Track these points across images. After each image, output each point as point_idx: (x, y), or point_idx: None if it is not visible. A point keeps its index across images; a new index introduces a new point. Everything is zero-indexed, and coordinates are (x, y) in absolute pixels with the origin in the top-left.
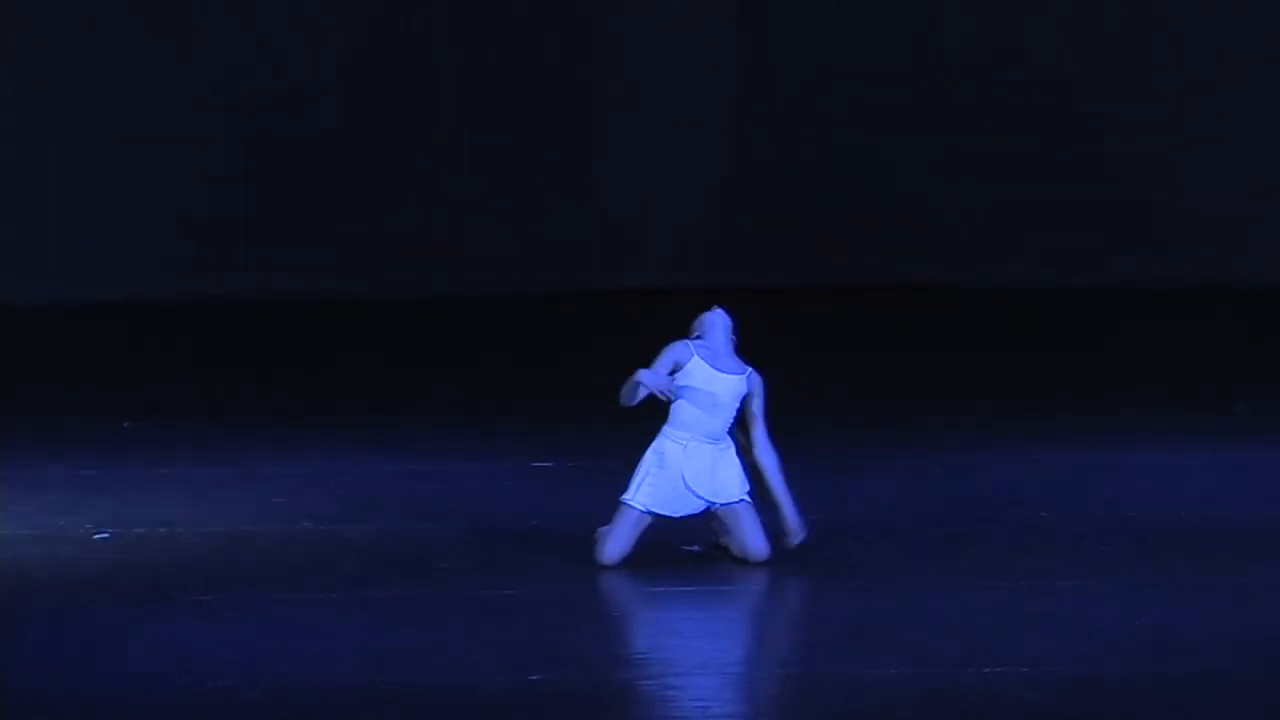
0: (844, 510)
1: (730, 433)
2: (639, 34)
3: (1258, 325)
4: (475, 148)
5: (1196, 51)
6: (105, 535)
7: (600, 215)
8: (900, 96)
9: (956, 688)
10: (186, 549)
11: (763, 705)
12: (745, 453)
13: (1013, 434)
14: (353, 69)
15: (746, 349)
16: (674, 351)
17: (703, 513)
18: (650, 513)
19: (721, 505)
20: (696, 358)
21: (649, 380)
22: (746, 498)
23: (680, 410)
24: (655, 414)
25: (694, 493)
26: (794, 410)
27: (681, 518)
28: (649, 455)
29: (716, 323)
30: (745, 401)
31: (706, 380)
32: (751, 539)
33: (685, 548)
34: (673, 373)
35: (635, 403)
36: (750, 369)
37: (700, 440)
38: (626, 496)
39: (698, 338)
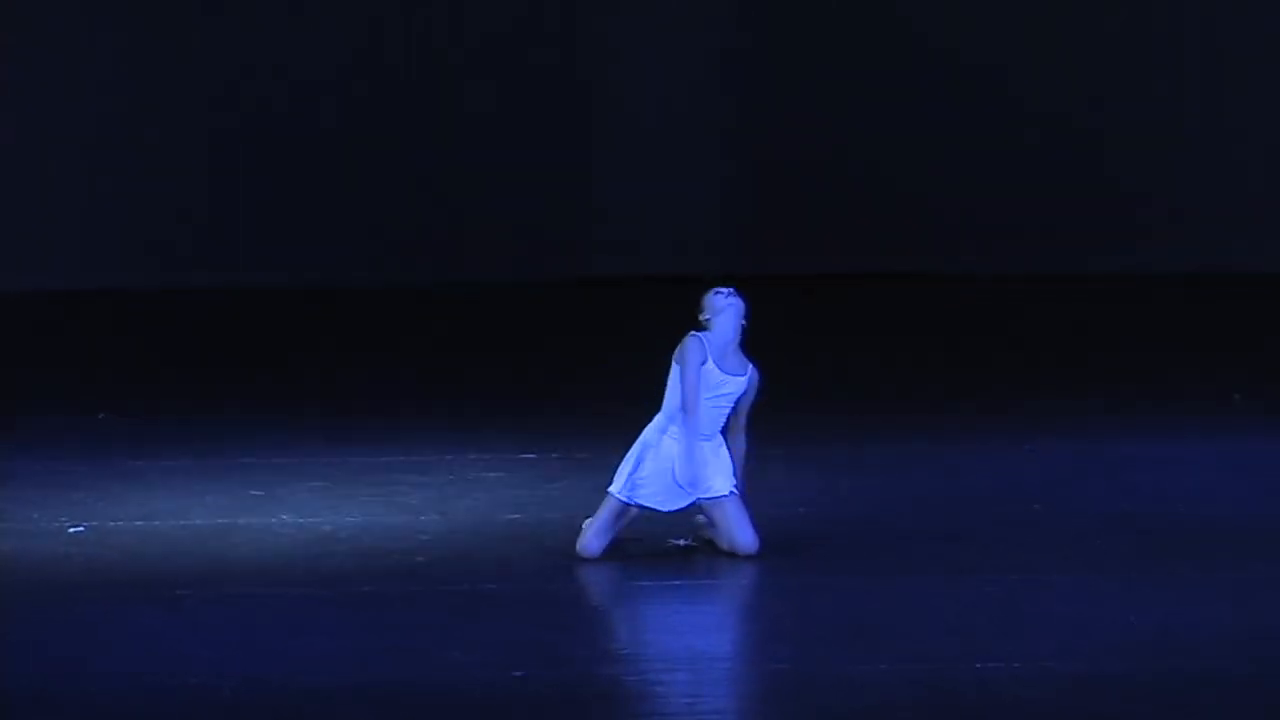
0: (835, 504)
1: (723, 429)
2: (637, 30)
3: (1259, 315)
4: (475, 143)
5: (1196, 47)
6: (81, 529)
7: (597, 205)
8: (896, 93)
9: (952, 685)
10: (164, 543)
11: (753, 702)
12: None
13: (1008, 427)
14: (352, 66)
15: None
16: (693, 354)
17: (690, 506)
18: (636, 505)
19: (709, 500)
20: (710, 361)
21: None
22: (734, 491)
23: (675, 403)
24: (642, 406)
25: (683, 488)
26: (786, 403)
27: (668, 512)
28: (638, 448)
29: (730, 312)
30: (740, 398)
31: (716, 385)
32: (740, 532)
33: (673, 541)
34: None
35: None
36: (751, 367)
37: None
38: (612, 488)
39: (706, 321)
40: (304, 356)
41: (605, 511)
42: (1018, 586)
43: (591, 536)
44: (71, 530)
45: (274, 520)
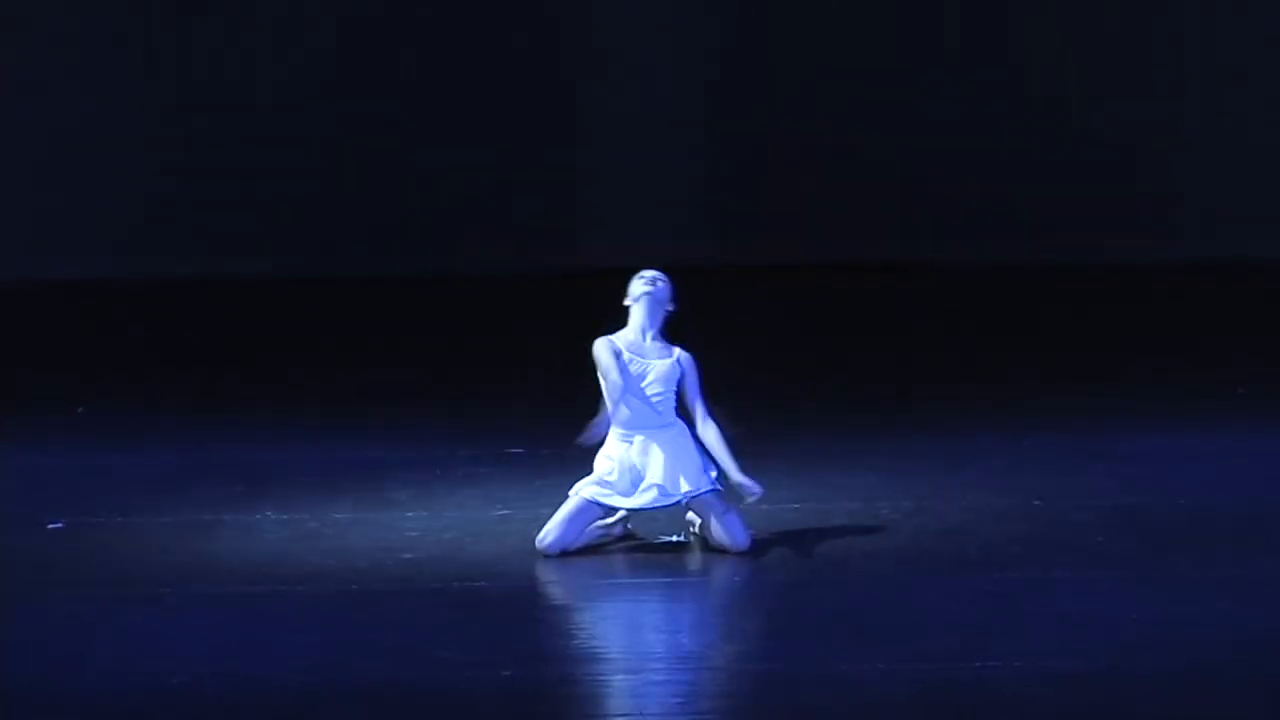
0: (829, 500)
1: (679, 413)
2: (616, 18)
3: (1264, 305)
4: (462, 135)
5: (1196, 46)
6: (59, 525)
7: (583, 196)
8: (887, 83)
9: (950, 684)
10: (145, 539)
11: (745, 701)
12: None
13: (1004, 420)
14: (331, 53)
15: (722, 329)
16: (601, 355)
17: (671, 505)
18: (596, 504)
19: (689, 499)
20: (626, 353)
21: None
22: (715, 486)
23: (618, 410)
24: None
25: (655, 488)
26: (778, 396)
27: (657, 509)
28: (599, 458)
29: (646, 300)
30: (681, 384)
31: (639, 375)
32: (729, 528)
33: (663, 538)
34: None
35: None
36: (678, 349)
37: (649, 431)
38: (574, 488)
39: (628, 306)
40: (288, 350)
41: (561, 509)
42: (1017, 583)
43: (548, 534)
44: (49, 526)
45: (258, 516)
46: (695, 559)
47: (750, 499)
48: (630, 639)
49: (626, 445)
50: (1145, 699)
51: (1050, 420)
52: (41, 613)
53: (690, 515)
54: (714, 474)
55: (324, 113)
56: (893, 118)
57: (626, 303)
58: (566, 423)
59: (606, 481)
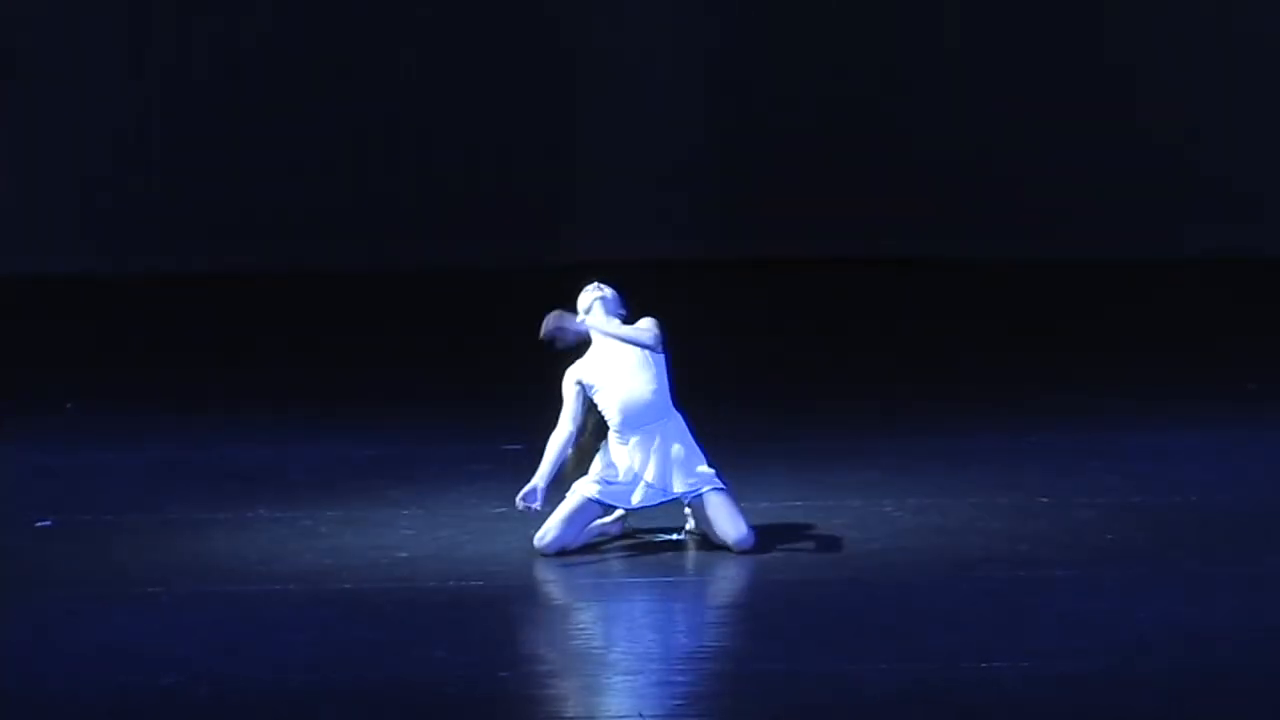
0: (831, 498)
1: (677, 407)
2: (616, 17)
3: (1271, 301)
4: (458, 129)
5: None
6: (48, 523)
7: (579, 190)
8: (881, 77)
9: (951, 684)
10: (136, 538)
11: (746, 701)
12: None
13: (1008, 415)
14: (330, 51)
15: (722, 327)
16: (573, 386)
17: (671, 502)
18: (596, 503)
19: (691, 497)
20: (583, 367)
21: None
22: (717, 484)
23: (609, 411)
24: None
25: (653, 486)
26: (776, 392)
27: (657, 505)
28: (599, 458)
29: (604, 301)
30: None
31: (608, 367)
32: (732, 526)
33: (664, 536)
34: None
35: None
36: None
37: (647, 426)
38: (573, 486)
39: (581, 319)
40: (280, 345)
41: (559, 507)
42: (1022, 582)
43: (546, 533)
44: (39, 524)
45: (251, 515)
46: (695, 558)
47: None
48: (629, 639)
49: (624, 445)
50: (1152, 699)
51: (1055, 417)
52: (32, 612)
53: (688, 513)
54: (715, 472)
55: (323, 112)
56: (893, 116)
57: (580, 318)
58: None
59: (607, 480)
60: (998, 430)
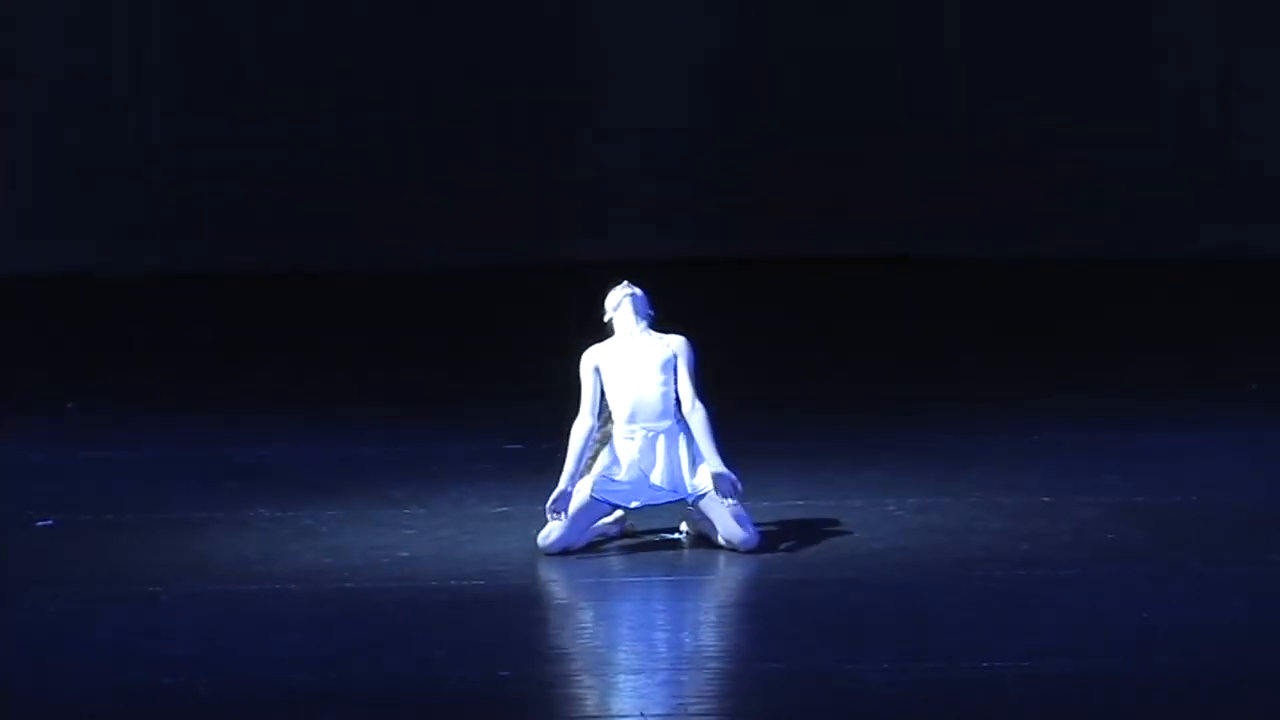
0: (834, 497)
1: (678, 414)
2: (616, 17)
3: (1272, 301)
4: (461, 129)
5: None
6: (49, 522)
7: (581, 189)
8: (878, 74)
9: (953, 684)
10: (137, 537)
11: (746, 702)
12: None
13: (1008, 415)
14: (329, 50)
15: (723, 326)
16: (583, 371)
17: (676, 502)
18: (602, 502)
19: (694, 499)
20: (601, 352)
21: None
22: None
23: (617, 405)
24: None
25: (659, 487)
26: (778, 391)
27: (660, 504)
28: (602, 455)
29: (626, 305)
30: (676, 366)
31: (625, 360)
32: (737, 527)
33: (666, 535)
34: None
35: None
36: (673, 335)
37: (652, 424)
38: (577, 485)
39: (608, 320)
40: (282, 346)
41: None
42: (1025, 582)
43: (552, 529)
44: (40, 524)
45: (252, 514)
46: (695, 558)
47: (725, 500)
48: (631, 638)
49: (630, 441)
50: (1153, 699)
51: (1056, 417)
52: (32, 611)
53: (689, 513)
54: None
55: (323, 112)
56: (893, 115)
57: (608, 316)
58: (565, 420)
59: (612, 479)
60: (999, 430)
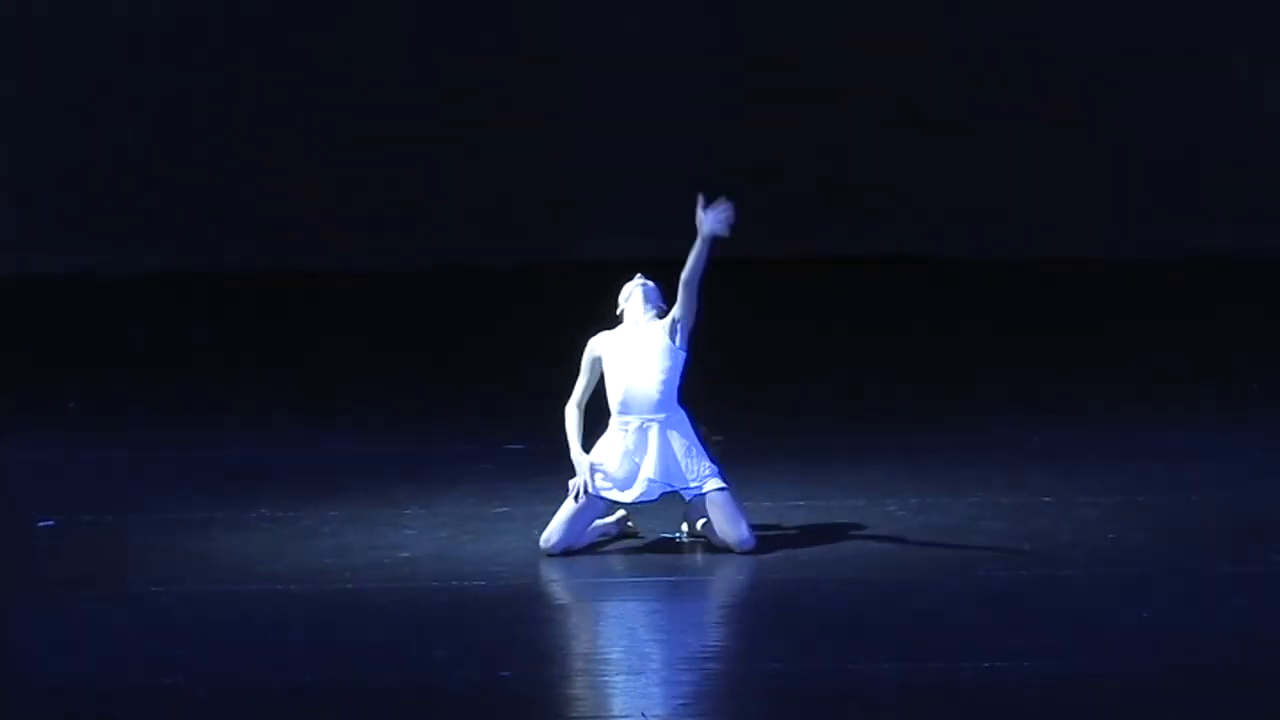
0: (834, 497)
1: (682, 403)
2: (616, 16)
3: (1274, 300)
4: (460, 126)
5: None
6: (50, 523)
7: (582, 187)
8: (878, 73)
9: (954, 684)
10: (137, 537)
11: (746, 702)
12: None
13: (1009, 415)
14: (329, 49)
15: (723, 325)
16: (587, 361)
17: (671, 495)
18: (599, 498)
19: (694, 496)
20: (605, 339)
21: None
22: (720, 483)
23: (612, 390)
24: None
25: (654, 480)
26: (780, 391)
27: (657, 500)
28: (595, 449)
29: (636, 295)
30: (670, 323)
31: (626, 348)
32: (734, 528)
33: (665, 535)
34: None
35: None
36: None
37: (647, 415)
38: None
39: (620, 313)
40: (282, 344)
41: (566, 507)
42: (1026, 582)
43: (551, 532)
44: (40, 524)
45: (253, 514)
46: (695, 558)
47: (710, 227)
48: (631, 639)
49: (624, 432)
50: (1156, 701)
51: (1056, 417)
52: (32, 611)
53: (689, 513)
54: (718, 471)
55: (323, 112)
56: (893, 115)
57: (620, 308)
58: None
59: (606, 474)
60: (999, 430)
